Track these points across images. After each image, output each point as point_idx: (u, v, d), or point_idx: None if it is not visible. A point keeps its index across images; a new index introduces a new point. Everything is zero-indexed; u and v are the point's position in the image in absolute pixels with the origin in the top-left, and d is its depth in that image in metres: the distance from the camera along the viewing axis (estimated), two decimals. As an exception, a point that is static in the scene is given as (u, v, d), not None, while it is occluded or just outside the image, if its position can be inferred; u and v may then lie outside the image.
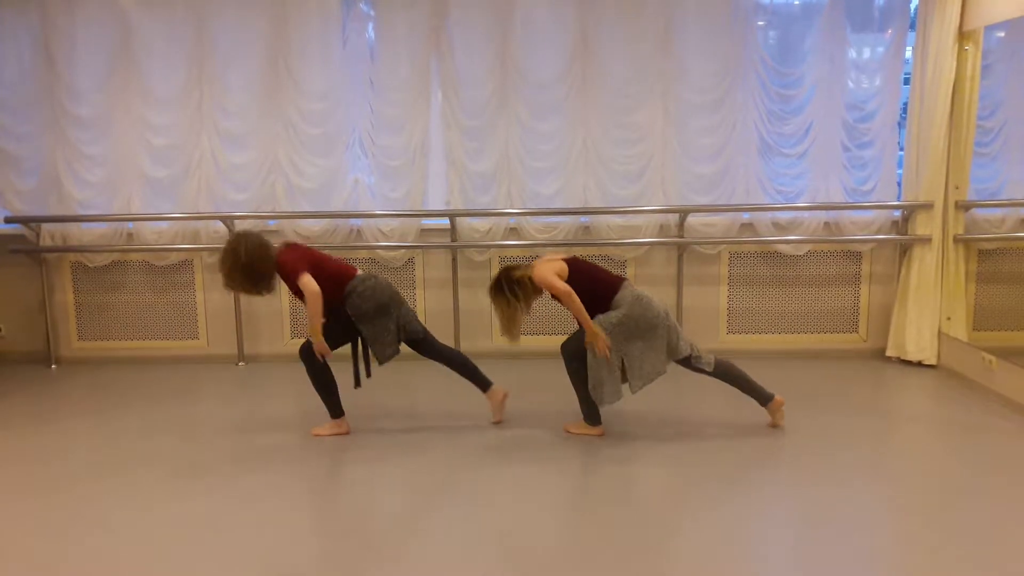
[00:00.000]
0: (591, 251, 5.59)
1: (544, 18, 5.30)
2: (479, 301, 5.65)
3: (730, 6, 5.26)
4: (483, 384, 4.33)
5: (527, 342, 5.64)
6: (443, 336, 5.64)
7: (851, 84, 5.34)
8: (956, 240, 5.16)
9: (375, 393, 4.81)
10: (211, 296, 5.71)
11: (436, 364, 4.37)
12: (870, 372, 5.28)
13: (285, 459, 3.96)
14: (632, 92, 5.33)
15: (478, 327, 5.67)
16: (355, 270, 4.16)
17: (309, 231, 5.54)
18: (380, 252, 5.58)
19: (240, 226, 5.54)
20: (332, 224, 5.55)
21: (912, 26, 5.25)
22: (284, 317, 5.72)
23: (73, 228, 5.63)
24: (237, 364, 5.69)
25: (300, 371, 5.40)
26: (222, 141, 5.48)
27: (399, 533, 3.21)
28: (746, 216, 5.49)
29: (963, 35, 4.97)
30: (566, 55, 5.33)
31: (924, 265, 5.25)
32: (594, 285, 3.98)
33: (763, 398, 4.19)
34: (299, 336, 5.72)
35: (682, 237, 5.47)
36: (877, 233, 5.46)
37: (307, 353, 4.12)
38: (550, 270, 3.90)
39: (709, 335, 5.64)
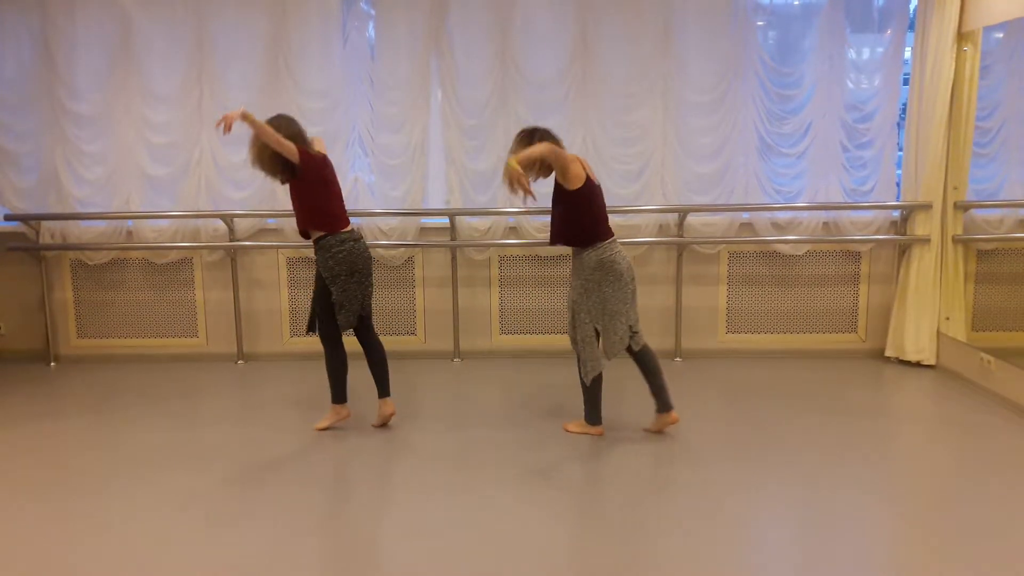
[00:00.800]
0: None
1: (544, 17, 5.31)
2: (478, 300, 5.66)
3: (730, 6, 5.26)
4: (384, 390, 4.30)
5: (526, 342, 5.66)
6: (442, 335, 5.67)
7: (850, 84, 5.35)
8: (955, 240, 5.17)
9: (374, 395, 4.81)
10: (210, 294, 5.72)
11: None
12: (869, 372, 5.29)
13: (285, 457, 3.96)
14: (632, 91, 5.34)
15: (477, 326, 5.67)
16: (346, 223, 4.12)
17: (309, 230, 5.54)
18: (380, 251, 5.58)
19: (240, 224, 5.56)
20: (332, 223, 5.55)
21: (911, 27, 5.26)
22: (283, 316, 5.72)
23: (73, 226, 5.62)
24: (236, 362, 5.69)
25: (299, 369, 5.45)
26: (222, 139, 5.47)
27: (399, 532, 3.21)
28: (745, 216, 5.50)
29: (962, 36, 4.98)
30: (566, 54, 5.33)
31: (923, 265, 5.26)
32: (588, 217, 3.91)
33: (665, 405, 4.12)
34: (298, 335, 5.72)
35: (681, 236, 5.48)
36: (876, 233, 5.46)
37: (327, 335, 4.14)
38: (573, 159, 3.84)
39: (708, 335, 5.64)
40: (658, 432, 4.17)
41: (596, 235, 3.95)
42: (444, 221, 5.54)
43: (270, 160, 3.96)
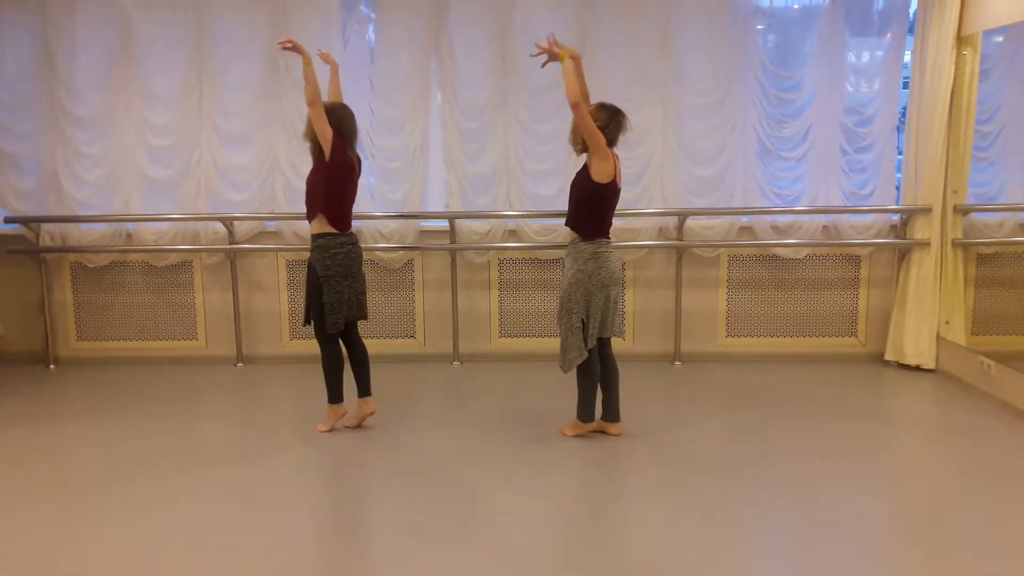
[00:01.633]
0: (590, 253, 5.59)
1: (544, 20, 5.30)
2: (478, 302, 5.65)
3: (729, 9, 5.27)
4: (365, 390, 4.31)
5: (525, 345, 5.66)
6: (442, 337, 5.67)
7: (850, 88, 5.35)
8: (954, 244, 5.16)
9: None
10: (210, 297, 5.72)
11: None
12: (868, 376, 5.28)
13: (284, 459, 3.95)
14: (631, 94, 5.32)
15: (477, 329, 5.67)
16: (349, 226, 4.15)
17: (308, 232, 5.53)
18: (379, 254, 5.58)
19: (239, 227, 5.55)
20: (331, 225, 5.55)
21: (911, 30, 5.26)
22: (283, 319, 5.72)
23: (72, 228, 5.63)
24: (236, 365, 5.69)
25: (298, 372, 5.45)
26: (221, 141, 5.48)
27: (398, 532, 3.21)
28: (745, 219, 5.49)
29: (961, 40, 4.98)
30: (566, 58, 5.33)
31: (923, 269, 5.26)
32: (598, 213, 3.95)
33: (613, 414, 4.16)
34: (298, 338, 5.72)
35: (681, 240, 5.47)
36: (876, 237, 5.46)
37: (322, 333, 4.15)
38: (608, 154, 3.88)
39: (707, 338, 5.64)
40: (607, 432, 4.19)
41: (599, 231, 3.98)
42: (444, 224, 5.54)
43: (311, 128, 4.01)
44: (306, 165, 5.41)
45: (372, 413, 4.33)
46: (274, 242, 5.62)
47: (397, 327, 5.70)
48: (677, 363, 5.58)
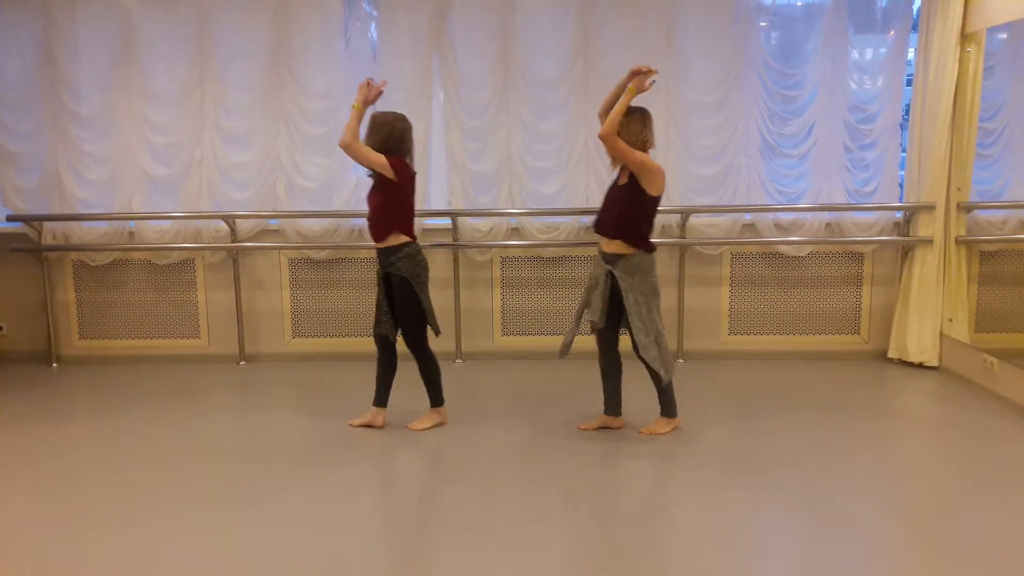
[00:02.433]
0: (593, 251, 5.57)
1: (546, 18, 5.30)
2: (480, 301, 5.65)
3: (732, 7, 5.25)
4: (437, 399, 4.34)
5: (528, 343, 5.66)
6: (444, 336, 5.62)
7: (853, 85, 5.34)
8: (958, 242, 5.16)
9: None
10: (212, 295, 5.71)
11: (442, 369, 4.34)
12: (871, 374, 5.28)
13: (286, 458, 3.95)
14: (634, 92, 5.32)
15: (479, 327, 5.67)
16: (414, 235, 4.17)
17: (310, 231, 5.54)
18: (381, 252, 5.57)
19: (241, 225, 5.55)
20: (334, 224, 5.55)
21: (914, 27, 5.25)
22: (285, 317, 5.72)
23: (74, 227, 5.62)
24: (238, 363, 5.69)
25: (301, 370, 5.45)
26: (223, 140, 5.48)
27: (399, 534, 3.21)
28: (748, 217, 5.49)
29: (965, 37, 4.97)
30: (567, 55, 5.32)
31: (926, 267, 5.25)
32: (648, 223, 3.96)
33: (616, 407, 4.22)
34: (300, 336, 5.72)
35: (684, 238, 5.47)
36: (879, 234, 5.45)
37: (415, 342, 4.17)
38: (651, 164, 3.87)
39: (710, 336, 5.63)
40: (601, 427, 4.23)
41: (648, 241, 3.99)
42: (446, 222, 5.54)
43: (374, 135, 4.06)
44: (307, 163, 5.47)
45: (443, 423, 4.34)
46: (276, 240, 5.62)
47: (399, 325, 5.70)
48: (680, 361, 5.57)
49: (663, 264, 5.58)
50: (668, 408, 4.17)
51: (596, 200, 5.42)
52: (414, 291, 4.08)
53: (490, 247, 5.55)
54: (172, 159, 5.49)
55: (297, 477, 3.73)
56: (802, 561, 2.97)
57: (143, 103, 5.44)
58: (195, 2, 5.34)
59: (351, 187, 5.51)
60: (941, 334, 5.27)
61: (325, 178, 5.48)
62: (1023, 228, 4.90)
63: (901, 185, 5.45)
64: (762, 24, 5.35)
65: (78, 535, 3.20)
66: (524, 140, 5.43)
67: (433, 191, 5.59)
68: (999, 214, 5.03)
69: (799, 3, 5.42)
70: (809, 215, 5.45)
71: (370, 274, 5.65)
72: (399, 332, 4.19)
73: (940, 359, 5.29)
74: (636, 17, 5.26)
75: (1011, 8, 4.56)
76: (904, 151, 5.41)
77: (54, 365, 5.71)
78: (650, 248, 3.98)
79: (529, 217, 5.48)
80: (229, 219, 5.49)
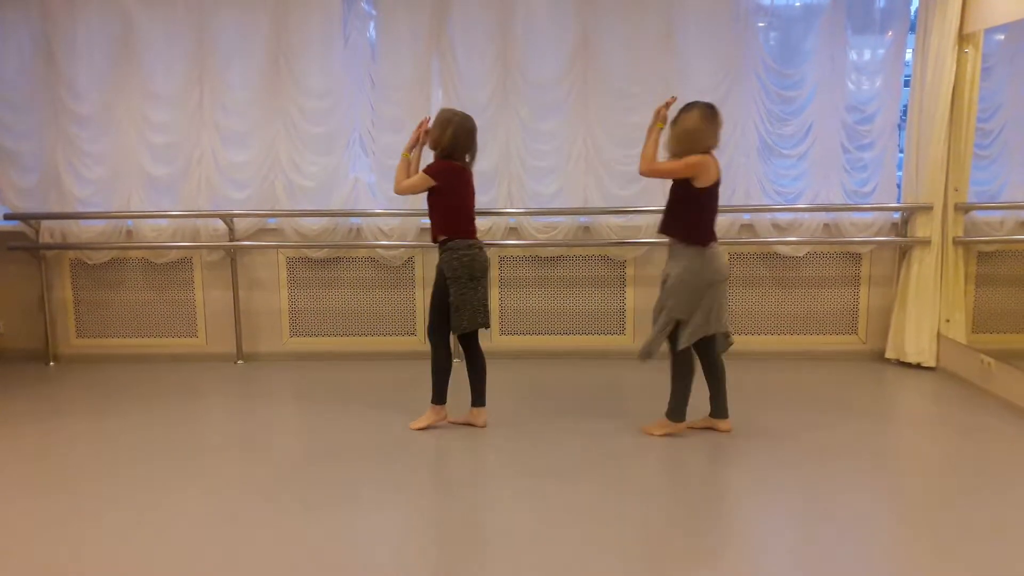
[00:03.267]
0: (591, 251, 5.59)
1: (545, 18, 5.30)
2: (478, 301, 5.64)
3: (731, 7, 5.26)
4: (481, 400, 4.33)
5: (526, 343, 5.66)
6: (442, 335, 5.65)
7: (851, 86, 5.34)
8: (955, 242, 5.16)
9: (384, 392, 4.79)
10: (210, 294, 5.71)
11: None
12: (869, 374, 5.28)
13: (284, 458, 3.95)
14: (633, 92, 5.33)
15: (477, 327, 5.66)
16: (474, 233, 4.20)
17: (309, 229, 5.54)
18: (380, 251, 5.58)
19: (240, 224, 5.55)
20: (332, 223, 5.55)
21: (912, 28, 5.26)
22: (283, 316, 5.71)
23: (72, 225, 5.61)
24: (236, 362, 5.68)
25: (299, 370, 5.45)
26: (222, 139, 5.48)
27: (400, 534, 3.21)
28: (746, 217, 5.49)
29: (963, 38, 4.98)
30: (567, 55, 5.33)
31: (923, 267, 5.26)
32: (704, 215, 3.96)
33: (722, 410, 4.21)
34: (298, 335, 5.71)
35: (682, 238, 5.47)
36: (877, 235, 5.46)
37: (434, 334, 4.18)
38: (693, 164, 3.86)
39: (708, 336, 5.63)
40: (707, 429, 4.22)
41: (701, 234, 3.96)
42: (444, 221, 5.53)
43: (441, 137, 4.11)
44: (306, 162, 5.47)
45: (484, 425, 4.32)
46: (274, 239, 5.62)
47: (397, 324, 5.70)
48: (678, 361, 5.57)
49: (661, 264, 5.55)
50: (670, 406, 4.15)
51: (595, 200, 5.47)
52: (445, 285, 4.11)
53: (488, 246, 5.53)
54: (171, 158, 5.49)
55: (297, 477, 3.73)
56: (801, 560, 2.98)
57: (142, 102, 5.44)
58: (194, 1, 5.34)
59: (349, 186, 5.52)
60: (938, 335, 5.28)
61: (324, 177, 5.47)
62: (1021, 229, 4.91)
63: (899, 186, 5.45)
64: (761, 24, 5.36)
65: (74, 533, 3.19)
66: (523, 139, 5.43)
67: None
68: (997, 215, 5.04)
69: (797, 3, 5.43)
70: (807, 215, 5.45)
71: (368, 273, 5.66)
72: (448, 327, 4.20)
73: (937, 360, 5.30)
74: (635, 17, 5.26)
75: (1009, 9, 4.57)
76: (902, 152, 5.42)
77: (51, 364, 5.70)
78: (703, 241, 3.94)
79: (527, 217, 5.48)
80: (227, 218, 5.48)
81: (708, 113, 3.89)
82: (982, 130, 4.98)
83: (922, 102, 5.15)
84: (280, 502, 3.45)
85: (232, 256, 5.61)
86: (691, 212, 3.95)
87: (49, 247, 5.60)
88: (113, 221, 5.58)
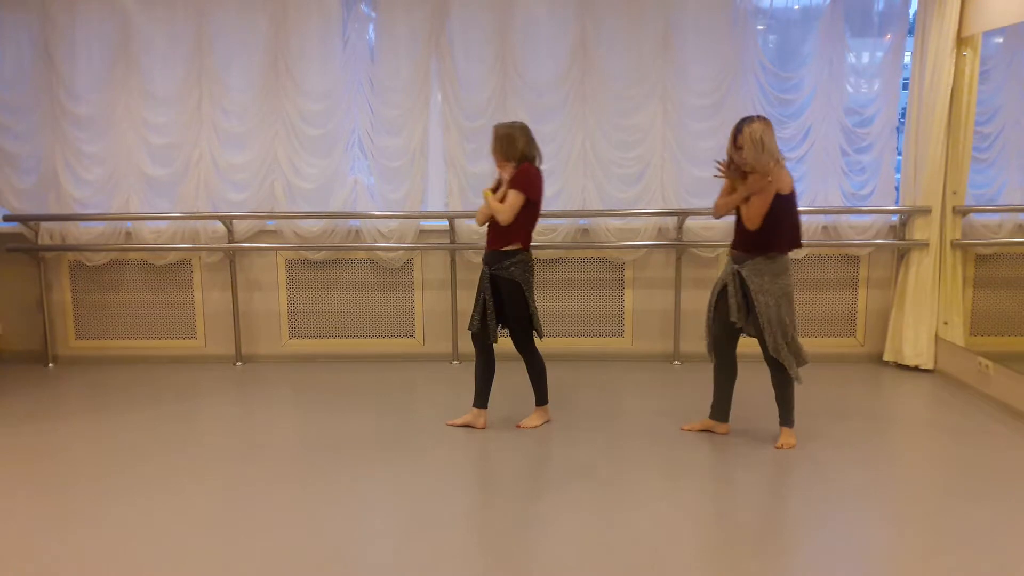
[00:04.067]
0: (590, 253, 5.60)
1: (544, 21, 5.30)
2: (477, 302, 5.65)
3: (730, 9, 5.27)
4: (543, 398, 4.39)
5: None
6: (441, 337, 5.67)
7: (850, 89, 5.35)
8: (953, 245, 5.17)
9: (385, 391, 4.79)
10: (209, 296, 5.71)
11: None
12: (867, 376, 5.29)
13: (283, 459, 3.95)
14: (631, 95, 5.34)
15: (476, 328, 5.66)
16: (529, 240, 4.23)
17: (308, 232, 5.54)
18: (379, 253, 5.58)
19: (239, 226, 5.55)
20: (331, 225, 5.55)
21: (911, 31, 5.27)
22: (282, 318, 5.72)
23: (71, 227, 5.61)
24: (235, 364, 5.68)
25: (298, 371, 5.45)
26: (221, 141, 5.48)
27: (403, 532, 3.21)
28: (745, 219, 5.49)
29: (961, 41, 4.98)
30: (566, 57, 5.33)
31: (922, 270, 5.27)
32: (781, 226, 3.90)
33: (725, 414, 4.23)
34: (296, 337, 5.72)
35: (680, 240, 5.47)
36: (875, 237, 5.47)
37: (522, 344, 4.24)
38: (775, 170, 3.82)
39: (707, 338, 5.64)
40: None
41: (778, 242, 3.92)
42: (443, 224, 5.54)
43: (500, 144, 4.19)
44: (305, 164, 5.47)
45: (547, 422, 4.37)
46: (273, 241, 5.62)
47: (396, 326, 5.70)
48: (676, 363, 5.58)
49: (660, 266, 5.60)
50: (786, 416, 4.08)
51: (593, 202, 5.46)
52: (524, 295, 4.15)
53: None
54: (170, 160, 5.49)
55: (296, 478, 3.74)
56: (797, 561, 2.98)
57: (141, 103, 5.44)
58: (193, 2, 5.34)
59: (349, 188, 5.52)
60: (936, 337, 5.29)
61: (323, 179, 5.48)
62: (1018, 232, 4.92)
63: (897, 188, 5.46)
64: (759, 27, 5.37)
65: (74, 535, 3.19)
66: (522, 141, 5.42)
67: (430, 193, 5.59)
68: (995, 218, 5.05)
69: (796, 6, 5.43)
70: (805, 218, 5.42)
71: (367, 275, 5.66)
72: (506, 333, 4.26)
73: (935, 362, 5.30)
74: (634, 19, 5.27)
75: (1007, 12, 4.58)
76: (900, 154, 5.42)
77: (50, 365, 5.70)
78: (781, 250, 3.92)
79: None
80: (226, 220, 5.48)
81: (764, 120, 3.86)
82: (980, 133, 4.98)
83: (920, 105, 5.16)
84: (279, 503, 3.45)
85: (231, 258, 5.61)
86: (784, 218, 3.89)
87: (48, 249, 5.60)
88: (112, 223, 5.58)
